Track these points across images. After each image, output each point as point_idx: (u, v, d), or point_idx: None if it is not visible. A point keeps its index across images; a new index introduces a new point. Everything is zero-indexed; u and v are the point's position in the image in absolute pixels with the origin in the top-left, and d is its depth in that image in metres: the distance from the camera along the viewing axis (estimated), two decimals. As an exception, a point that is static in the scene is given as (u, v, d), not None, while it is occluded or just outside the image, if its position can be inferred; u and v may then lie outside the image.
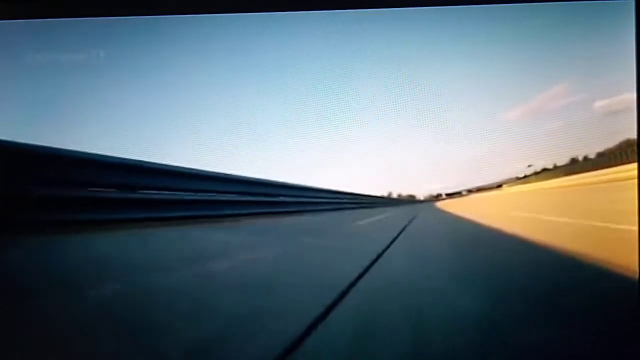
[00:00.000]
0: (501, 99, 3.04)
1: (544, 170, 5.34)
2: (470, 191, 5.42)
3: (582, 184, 5.82)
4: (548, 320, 1.64)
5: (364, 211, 7.50)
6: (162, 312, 1.76)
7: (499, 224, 5.12)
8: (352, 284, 2.27)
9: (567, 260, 2.71)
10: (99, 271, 2.28)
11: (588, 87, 2.71)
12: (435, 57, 2.76)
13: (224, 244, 3.49)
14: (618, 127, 2.56)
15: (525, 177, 5.42)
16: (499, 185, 5.81)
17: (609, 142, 2.85)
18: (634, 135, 1.95)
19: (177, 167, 3.82)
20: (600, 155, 5.16)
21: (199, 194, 4.21)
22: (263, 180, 4.69)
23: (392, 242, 4.00)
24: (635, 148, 1.96)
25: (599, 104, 2.74)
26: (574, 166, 5.57)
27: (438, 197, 5.50)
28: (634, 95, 1.91)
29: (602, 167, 5.24)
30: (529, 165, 3.16)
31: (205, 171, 4.10)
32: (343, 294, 2.03)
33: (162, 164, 3.64)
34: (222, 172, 4.29)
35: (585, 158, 5.33)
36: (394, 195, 6.02)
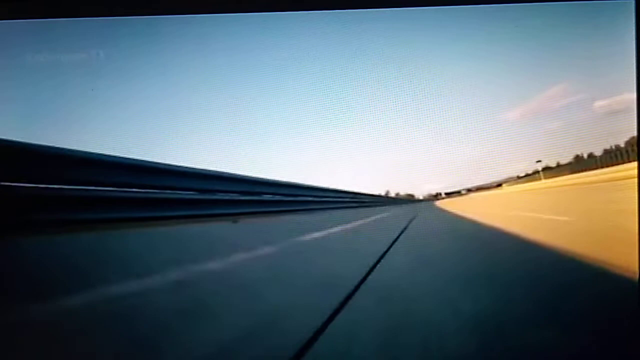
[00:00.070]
0: (501, 99, 3.05)
1: (545, 169, 5.35)
2: (469, 190, 5.42)
3: (582, 183, 5.83)
4: (548, 320, 1.65)
5: (363, 211, 7.50)
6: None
7: (499, 224, 5.12)
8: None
9: (567, 260, 2.71)
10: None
11: (588, 87, 2.71)
12: (435, 57, 2.76)
13: (224, 240, 3.49)
14: (618, 127, 2.56)
15: (526, 176, 5.43)
16: (499, 185, 5.82)
17: (609, 142, 2.85)
18: (634, 135, 1.95)
19: (177, 166, 3.82)
20: (600, 154, 5.18)
21: (201, 193, 4.20)
22: (250, 177, 4.70)
23: (383, 256, 3.98)
24: (636, 148, 1.96)
25: (599, 103, 2.74)
26: (575, 165, 5.58)
27: (437, 196, 5.50)
28: (634, 95, 1.91)
29: (602, 167, 5.25)
30: (538, 161, 3.15)
31: (203, 170, 4.11)
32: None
33: (166, 164, 3.65)
34: (221, 171, 4.30)
35: (586, 157, 5.34)
36: (393, 195, 6.02)
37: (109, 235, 3.03)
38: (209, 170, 4.20)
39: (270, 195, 5.29)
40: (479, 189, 5.46)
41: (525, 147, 2.89)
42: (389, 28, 2.35)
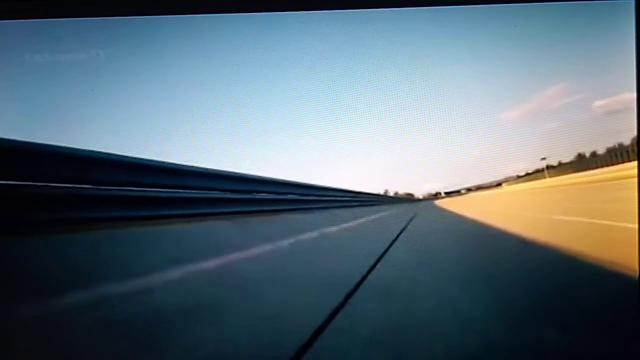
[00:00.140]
0: (502, 99, 3.04)
1: (547, 168, 5.36)
2: (469, 190, 5.42)
3: (582, 182, 5.83)
4: (548, 320, 1.65)
5: (363, 210, 7.50)
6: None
7: (500, 224, 5.12)
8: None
9: (567, 259, 2.71)
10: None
11: (588, 87, 2.71)
12: (435, 56, 2.76)
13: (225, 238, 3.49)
14: (618, 127, 2.57)
15: (526, 175, 5.43)
16: (499, 184, 5.82)
17: (609, 141, 2.85)
18: (634, 135, 1.95)
19: (177, 165, 3.82)
20: (603, 153, 5.18)
21: (201, 192, 4.21)
22: (251, 176, 4.70)
23: (383, 256, 3.97)
24: (636, 148, 1.96)
25: (599, 103, 2.74)
26: (575, 165, 5.58)
27: (437, 195, 5.50)
28: (634, 95, 1.91)
29: (605, 165, 5.26)
30: (543, 158, 3.15)
31: (203, 168, 4.11)
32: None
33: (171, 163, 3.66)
34: (221, 169, 4.31)
35: (589, 156, 5.34)
36: (392, 194, 6.02)
37: (109, 235, 3.02)
38: (210, 169, 4.20)
39: (270, 194, 5.29)
40: (479, 188, 5.46)
41: (525, 146, 2.89)
42: (388, 28, 2.35)
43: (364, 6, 2.04)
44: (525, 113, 3.01)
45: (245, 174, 4.76)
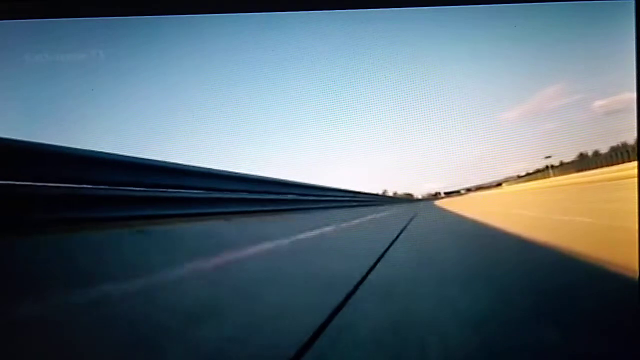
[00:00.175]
0: (502, 99, 3.04)
1: (550, 167, 5.35)
2: (469, 190, 5.42)
3: (582, 182, 5.83)
4: (548, 320, 1.65)
5: (362, 210, 7.49)
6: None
7: (499, 224, 5.12)
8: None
9: (566, 259, 2.71)
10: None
11: (588, 87, 2.71)
12: (435, 56, 2.76)
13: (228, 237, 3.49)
14: (618, 127, 2.57)
15: (526, 175, 5.42)
16: (499, 184, 5.82)
17: (609, 141, 2.85)
18: (634, 135, 1.95)
19: (178, 164, 3.83)
20: (600, 154, 5.18)
21: (201, 191, 4.21)
22: (251, 176, 4.70)
23: (382, 256, 3.98)
24: (635, 148, 1.96)
25: (598, 103, 2.74)
26: (575, 165, 5.58)
27: (437, 195, 5.49)
28: (634, 95, 1.91)
29: (603, 166, 5.25)
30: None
31: (203, 168, 4.11)
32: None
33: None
34: (221, 169, 4.31)
35: (586, 156, 5.34)
36: (390, 194, 6.02)
37: (108, 235, 3.02)
38: (209, 169, 4.20)
39: (269, 194, 5.28)
40: (479, 188, 5.46)
41: (525, 146, 2.89)
42: (388, 28, 2.35)
43: (364, 6, 2.04)
44: (525, 113, 3.01)
45: (245, 174, 4.76)
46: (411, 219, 6.50)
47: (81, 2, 1.99)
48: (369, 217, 7.25)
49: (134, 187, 3.46)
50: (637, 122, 1.91)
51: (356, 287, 2.29)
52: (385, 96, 2.78)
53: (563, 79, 2.81)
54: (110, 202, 3.23)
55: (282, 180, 5.30)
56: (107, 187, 3.23)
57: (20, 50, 2.18)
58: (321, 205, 6.48)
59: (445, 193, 5.47)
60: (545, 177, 5.75)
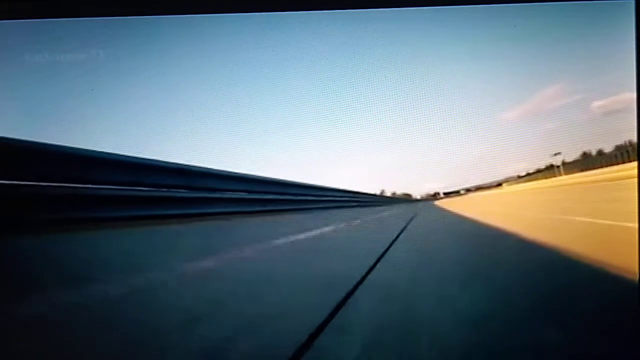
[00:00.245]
0: (501, 99, 3.04)
1: (550, 167, 5.35)
2: (468, 190, 5.41)
3: (582, 183, 5.83)
4: (549, 320, 1.65)
5: (360, 211, 7.48)
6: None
7: (500, 224, 5.12)
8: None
9: (566, 259, 2.71)
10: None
11: (587, 87, 2.71)
12: (434, 56, 2.76)
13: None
14: (618, 127, 2.56)
15: (527, 174, 5.42)
16: (499, 184, 5.81)
17: (610, 142, 2.85)
18: (634, 135, 1.95)
19: (177, 164, 3.83)
20: (601, 154, 5.17)
21: (201, 192, 4.21)
22: (250, 176, 4.70)
23: (382, 257, 3.98)
24: (636, 148, 1.96)
25: (598, 103, 2.74)
26: (576, 164, 5.58)
27: (436, 196, 5.49)
28: (634, 95, 1.91)
29: (603, 166, 5.25)
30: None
31: (203, 168, 4.11)
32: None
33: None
34: (221, 170, 4.30)
35: (586, 157, 5.34)
36: (390, 194, 6.01)
37: (108, 235, 3.02)
38: (209, 169, 4.20)
39: (267, 194, 5.27)
40: (478, 188, 5.45)
41: (525, 146, 2.89)
42: (388, 28, 2.35)
43: (364, 6, 2.04)
44: (525, 113, 3.02)
45: (245, 174, 4.75)
46: (411, 219, 6.50)
47: (81, 2, 1.98)
48: (369, 217, 7.25)
49: (133, 187, 3.46)
50: (637, 122, 1.91)
51: (355, 287, 2.29)
52: (385, 96, 2.78)
53: (563, 79, 2.82)
54: (110, 202, 3.23)
55: (280, 180, 5.29)
56: (107, 187, 3.23)
57: (20, 50, 2.18)
58: (320, 206, 6.47)
59: (444, 193, 5.47)
60: (547, 177, 5.75)
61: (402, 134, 3.06)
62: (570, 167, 5.57)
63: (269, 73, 2.83)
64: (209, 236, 3.78)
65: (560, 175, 5.44)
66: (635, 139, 1.94)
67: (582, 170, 5.63)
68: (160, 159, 3.53)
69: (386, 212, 7.68)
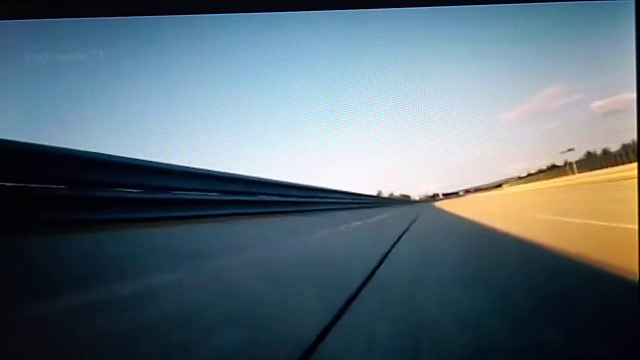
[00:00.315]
0: (501, 99, 3.04)
1: (548, 169, 5.34)
2: (468, 191, 5.40)
3: (583, 183, 5.83)
4: (549, 320, 1.65)
5: (360, 213, 7.48)
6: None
7: (500, 224, 5.12)
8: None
9: (566, 259, 2.71)
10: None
11: (587, 87, 2.71)
12: (434, 57, 2.76)
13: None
14: (618, 127, 2.56)
15: (528, 175, 5.41)
16: (499, 185, 5.80)
17: (610, 142, 2.85)
18: (634, 135, 1.95)
19: (177, 166, 3.83)
20: (602, 154, 5.16)
21: (200, 193, 4.21)
22: (248, 177, 4.70)
23: (383, 259, 3.96)
24: (636, 148, 1.96)
25: (598, 103, 2.74)
26: (576, 164, 5.57)
27: (435, 197, 5.48)
28: (634, 95, 1.91)
29: (603, 167, 5.24)
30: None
31: (203, 170, 4.11)
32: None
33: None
34: (219, 170, 4.30)
35: (587, 157, 5.33)
36: (388, 195, 6.00)
37: (109, 236, 3.02)
38: (209, 170, 4.20)
39: (263, 196, 5.26)
40: (478, 190, 5.44)
41: (525, 147, 2.89)
42: (388, 28, 2.35)
43: (364, 6, 2.04)
44: (525, 113, 3.01)
45: (244, 175, 4.75)
46: (413, 221, 6.49)
47: (81, 2, 1.99)
48: (369, 219, 7.24)
49: (132, 189, 3.46)
50: (637, 122, 1.91)
51: (358, 291, 2.28)
52: (385, 96, 2.78)
53: (563, 79, 2.82)
54: (110, 203, 3.23)
55: (277, 181, 5.29)
56: (106, 189, 3.23)
57: (20, 50, 2.18)
58: (319, 207, 6.47)
59: (443, 194, 5.46)
60: (548, 178, 5.74)
61: (402, 134, 3.06)
62: (570, 167, 5.56)
63: (269, 73, 2.83)
64: (208, 237, 3.78)
65: (573, 173, 5.40)
66: (635, 138, 1.94)
67: (583, 171, 5.62)
68: (160, 160, 3.53)
69: (386, 213, 7.67)
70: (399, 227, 5.69)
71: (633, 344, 1.39)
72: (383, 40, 2.52)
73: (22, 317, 1.65)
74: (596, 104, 2.73)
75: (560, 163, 4.98)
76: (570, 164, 5.20)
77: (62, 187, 2.92)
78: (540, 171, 5.23)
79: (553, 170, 5.47)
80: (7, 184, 2.54)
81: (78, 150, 2.89)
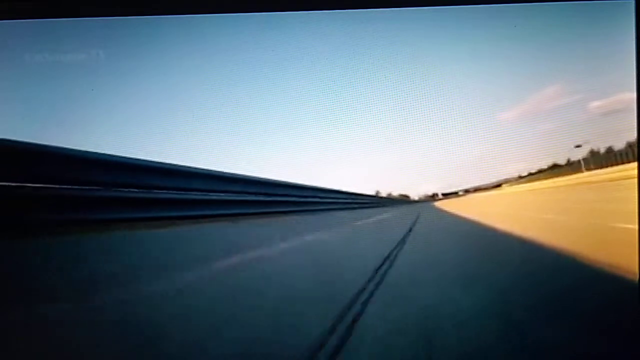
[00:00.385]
0: (501, 99, 3.04)
1: (549, 168, 5.34)
2: (467, 191, 5.40)
3: (583, 183, 5.83)
4: (549, 319, 1.65)
5: (360, 213, 7.47)
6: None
7: (500, 224, 5.12)
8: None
9: (566, 259, 2.71)
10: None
11: (588, 87, 2.71)
12: (433, 57, 2.76)
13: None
14: (618, 127, 2.56)
15: (529, 175, 5.40)
16: (498, 185, 5.80)
17: (610, 142, 2.85)
18: (634, 135, 1.95)
19: (177, 166, 3.82)
20: (602, 153, 5.16)
21: (201, 193, 4.20)
22: (248, 177, 4.69)
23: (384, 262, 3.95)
24: (636, 148, 1.96)
25: (598, 103, 2.74)
26: (576, 165, 5.57)
27: (434, 197, 5.48)
28: (634, 95, 1.91)
29: (603, 166, 5.24)
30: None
31: (203, 170, 4.11)
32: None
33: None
34: (219, 170, 4.30)
35: (587, 157, 5.33)
36: (388, 195, 5.99)
37: (108, 236, 3.02)
38: (209, 170, 4.20)
39: (263, 196, 5.25)
40: (477, 189, 5.44)
41: (524, 146, 2.89)
42: (388, 28, 2.35)
43: (364, 6, 2.04)
44: (525, 113, 3.02)
45: (243, 175, 4.75)
46: (414, 222, 6.48)
47: (81, 2, 1.98)
48: (369, 220, 7.23)
49: (133, 188, 3.46)
50: (637, 122, 1.91)
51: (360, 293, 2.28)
52: (385, 96, 2.78)
53: (563, 79, 2.82)
54: (110, 203, 3.22)
55: (277, 181, 5.28)
56: (106, 188, 3.23)
57: (20, 50, 2.18)
58: (319, 207, 6.46)
59: (443, 194, 5.46)
60: (548, 178, 5.74)
61: (401, 134, 3.06)
62: (571, 167, 5.56)
63: (269, 73, 2.83)
64: (208, 238, 3.77)
65: (574, 173, 5.38)
66: (635, 139, 1.94)
67: (583, 171, 5.61)
68: (160, 160, 3.53)
69: (386, 214, 7.67)
70: (399, 227, 5.69)
71: (633, 343, 1.39)
72: (383, 40, 2.52)
73: (21, 318, 1.65)
74: (596, 104, 2.73)
75: (561, 162, 4.97)
76: (573, 163, 5.19)
77: (62, 187, 2.91)
78: (541, 171, 5.23)
79: (554, 170, 5.47)
80: (7, 183, 2.54)
81: (78, 150, 2.88)
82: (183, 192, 4.00)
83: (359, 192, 6.31)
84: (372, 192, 5.62)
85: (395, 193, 5.47)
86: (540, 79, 2.90)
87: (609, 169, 5.06)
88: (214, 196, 4.42)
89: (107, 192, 3.21)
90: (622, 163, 4.74)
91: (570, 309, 1.75)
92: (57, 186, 2.86)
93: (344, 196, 6.92)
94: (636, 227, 1.82)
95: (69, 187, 2.95)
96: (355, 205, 7.47)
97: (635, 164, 1.93)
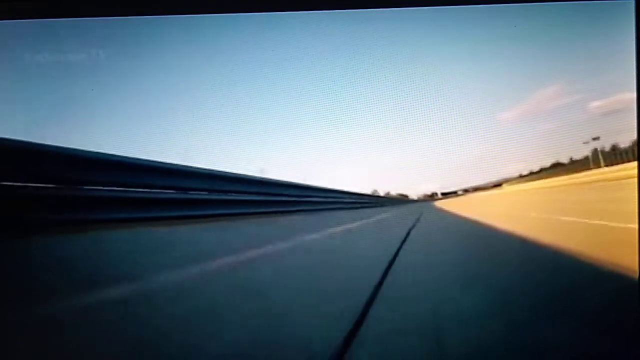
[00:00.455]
0: (501, 99, 3.04)
1: (550, 167, 5.33)
2: (467, 191, 5.40)
3: (583, 183, 5.83)
4: (549, 319, 1.65)
5: (360, 213, 7.47)
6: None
7: (501, 224, 5.12)
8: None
9: (566, 259, 2.71)
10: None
11: (588, 87, 2.71)
12: (433, 57, 2.76)
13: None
14: (618, 127, 2.56)
15: (530, 174, 5.40)
16: (498, 185, 5.80)
17: (610, 142, 2.85)
18: (634, 135, 1.95)
19: (178, 165, 3.83)
20: (614, 149, 5.15)
21: (200, 193, 4.21)
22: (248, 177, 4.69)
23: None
24: (636, 148, 1.96)
25: (597, 103, 2.74)
26: (576, 165, 5.57)
27: (433, 196, 5.48)
28: (634, 95, 1.91)
29: (603, 166, 5.24)
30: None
31: (203, 169, 4.11)
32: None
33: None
34: (219, 170, 4.30)
35: (587, 157, 5.33)
36: (387, 195, 5.99)
37: (108, 236, 3.02)
38: (209, 170, 4.20)
39: (260, 195, 5.25)
40: (477, 189, 5.44)
41: (524, 146, 2.89)
42: (388, 28, 2.35)
43: (364, 6, 2.04)
44: (525, 113, 3.02)
45: (242, 175, 4.75)
46: (415, 223, 6.48)
47: (81, 2, 1.98)
48: (369, 220, 7.23)
49: (133, 188, 3.46)
50: (637, 122, 1.91)
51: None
52: (385, 96, 2.78)
53: (563, 79, 2.82)
54: (110, 203, 3.22)
55: (277, 181, 5.28)
56: (106, 188, 3.23)
57: (20, 50, 2.18)
58: (319, 207, 6.46)
59: (442, 194, 5.46)
60: (548, 177, 5.74)
61: (401, 134, 3.06)
62: (572, 167, 5.55)
63: (269, 73, 2.83)
64: (208, 238, 3.77)
65: (592, 168, 5.35)
66: (634, 139, 1.94)
67: (583, 171, 5.61)
68: (160, 160, 3.53)
69: (386, 213, 7.67)
70: (400, 228, 5.69)
71: (633, 342, 1.39)
72: (383, 40, 2.52)
73: (21, 318, 1.65)
74: (595, 104, 2.73)
75: (563, 161, 4.96)
76: (575, 162, 5.18)
77: (62, 187, 2.92)
78: (542, 170, 5.23)
79: (555, 169, 5.46)
80: (7, 183, 2.54)
81: (78, 150, 2.88)
82: (183, 192, 4.00)
83: (359, 192, 6.31)
84: (372, 192, 5.62)
85: (396, 193, 5.47)
86: (540, 79, 2.90)
87: (612, 168, 5.05)
88: (214, 196, 4.42)
89: (107, 192, 3.21)
90: (623, 162, 4.73)
91: (570, 309, 1.75)
92: (57, 186, 2.86)
93: (344, 196, 6.93)
94: (636, 227, 1.82)
95: (69, 187, 2.95)
96: (357, 205, 7.48)
97: (635, 164, 1.93)
